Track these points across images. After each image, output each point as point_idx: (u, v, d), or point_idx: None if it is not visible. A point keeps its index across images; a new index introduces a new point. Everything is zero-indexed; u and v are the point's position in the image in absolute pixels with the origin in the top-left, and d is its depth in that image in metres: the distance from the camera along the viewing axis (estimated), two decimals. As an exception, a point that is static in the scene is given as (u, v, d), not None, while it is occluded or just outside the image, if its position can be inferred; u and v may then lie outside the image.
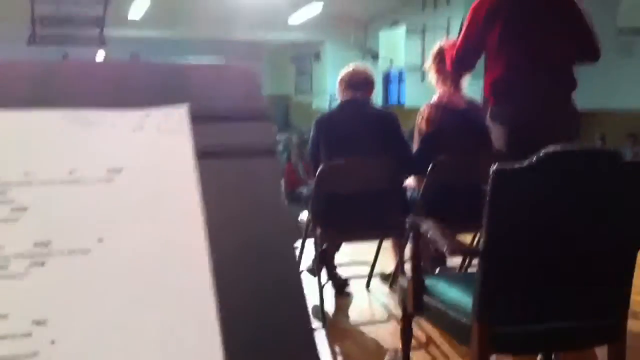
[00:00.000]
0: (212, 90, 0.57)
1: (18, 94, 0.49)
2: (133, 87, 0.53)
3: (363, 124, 3.25)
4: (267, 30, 12.27)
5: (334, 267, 3.41)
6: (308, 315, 0.51)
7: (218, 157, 0.53)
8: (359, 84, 3.36)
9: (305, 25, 13.08)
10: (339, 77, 3.43)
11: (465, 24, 2.90)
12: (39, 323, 0.42)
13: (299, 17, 12.45)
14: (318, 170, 2.99)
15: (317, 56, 15.79)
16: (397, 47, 11.18)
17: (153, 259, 0.47)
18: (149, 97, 0.53)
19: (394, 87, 13.88)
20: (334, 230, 3.00)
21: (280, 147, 10.98)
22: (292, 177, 8.86)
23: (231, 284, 0.48)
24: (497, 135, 2.80)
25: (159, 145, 0.51)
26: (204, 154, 0.52)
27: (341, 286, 3.34)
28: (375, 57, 11.97)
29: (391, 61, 11.37)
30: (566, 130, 2.66)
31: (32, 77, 0.51)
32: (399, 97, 13.40)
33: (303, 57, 16.00)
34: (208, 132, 0.54)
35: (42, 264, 0.44)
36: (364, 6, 12.15)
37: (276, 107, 16.14)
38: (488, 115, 2.90)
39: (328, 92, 13.32)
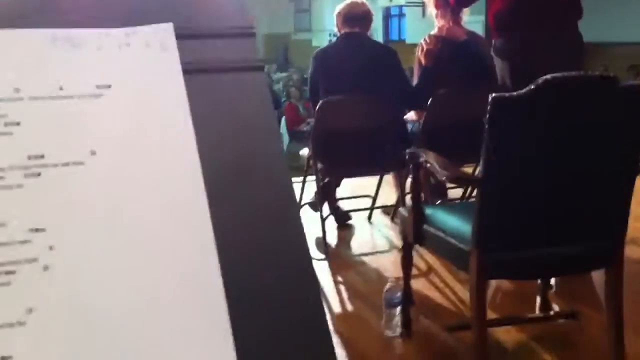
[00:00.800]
0: (197, 7, 0.57)
1: (7, 12, 0.49)
2: (117, 5, 0.54)
3: (362, 58, 3.22)
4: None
5: (336, 201, 3.43)
6: (303, 233, 0.53)
7: (204, 73, 0.54)
8: (356, 18, 3.32)
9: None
10: (336, 11, 3.38)
11: None
12: (37, 230, 0.44)
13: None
14: (317, 106, 2.98)
15: (315, -8, 15.52)
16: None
17: (146, 169, 0.48)
18: (134, 16, 0.54)
19: (394, 23, 13.69)
20: (334, 165, 3.02)
21: (280, 86, 10.90)
22: (293, 115, 8.85)
23: (224, 196, 0.50)
24: (501, 68, 2.77)
25: (146, 61, 0.52)
26: (191, 70, 0.53)
27: (343, 219, 3.37)
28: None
29: (391, -2, 11.19)
30: (572, 59, 2.62)
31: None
32: (399, 32, 13.23)
33: (301, -7, 15.73)
34: (194, 48, 0.54)
35: (38, 174, 0.46)
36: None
37: (275, 46, 15.95)
38: (492, 49, 2.86)
39: (327, 29, 13.15)
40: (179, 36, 0.54)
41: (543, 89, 1.64)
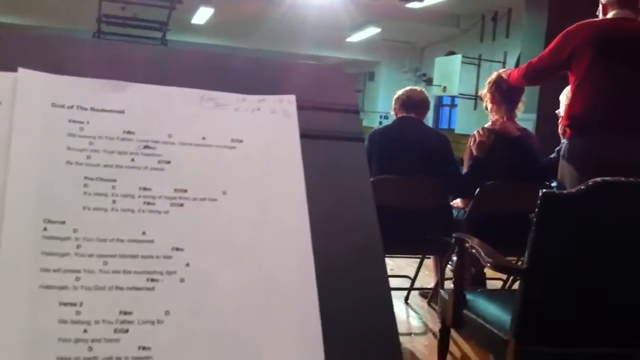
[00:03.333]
0: (315, 85, 0.68)
1: (168, 75, 0.61)
2: (252, 76, 0.66)
3: (415, 142, 3.34)
4: (326, 47, 12.48)
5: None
6: (386, 276, 0.62)
7: (316, 138, 0.64)
8: (414, 104, 3.46)
9: (362, 45, 13.24)
10: (396, 95, 3.53)
11: (555, 42, 2.90)
12: (177, 249, 0.54)
13: (356, 37, 12.62)
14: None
15: (372, 76, 15.95)
16: (452, 75, 11.26)
17: (265, 209, 0.58)
18: (264, 86, 0.65)
19: (445, 112, 13.92)
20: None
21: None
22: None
23: (324, 239, 0.60)
24: (563, 168, 2.79)
25: (272, 124, 0.63)
26: (305, 135, 0.64)
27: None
28: (429, 82, 12.07)
29: (445, 88, 11.45)
30: None
31: (178, 61, 0.64)
32: (449, 122, 13.44)
33: (358, 76, 16.17)
34: (308, 118, 0.65)
35: (181, 205, 0.56)
36: (421, 33, 12.26)
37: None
38: (564, 149, 2.87)
39: (379, 112, 13.44)
40: (299, 106, 0.65)
41: (596, 189, 1.71)
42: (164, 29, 11.34)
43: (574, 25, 2.85)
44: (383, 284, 0.61)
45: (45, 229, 0.51)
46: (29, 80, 0.56)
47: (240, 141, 0.61)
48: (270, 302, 0.55)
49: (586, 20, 2.87)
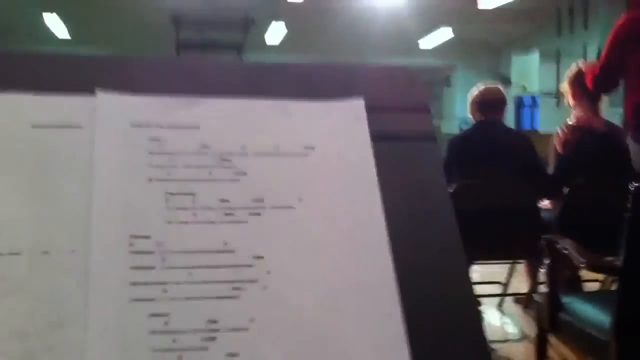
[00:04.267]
0: (383, 86, 0.68)
1: (239, 87, 0.63)
2: (320, 83, 0.66)
3: (497, 146, 3.27)
4: (398, 55, 12.43)
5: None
6: (470, 285, 0.61)
7: (387, 141, 0.64)
8: (490, 104, 3.39)
9: (436, 50, 13.12)
10: (470, 99, 3.47)
11: (607, 44, 2.87)
12: (258, 257, 0.55)
13: (429, 42, 12.52)
14: (452, 190, 3.05)
15: (448, 81, 15.76)
16: (530, 72, 10.98)
17: (340, 214, 0.59)
18: (333, 91, 0.66)
19: (526, 112, 13.57)
20: (466, 250, 3.04)
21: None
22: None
23: (402, 244, 0.59)
24: (636, 154, 2.73)
25: (342, 128, 0.63)
26: (377, 138, 0.64)
27: (472, 304, 3.36)
28: (507, 82, 11.81)
29: (524, 87, 11.17)
30: None
31: (248, 73, 0.65)
32: (531, 121, 13.09)
33: (433, 82, 16.02)
34: (378, 120, 0.65)
35: (259, 214, 0.57)
36: (496, 32, 12.03)
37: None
38: (630, 139, 2.83)
39: (458, 117, 13.25)
40: (368, 109, 0.65)
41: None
42: (240, 51, 11.62)
43: (621, 20, 2.77)
44: (466, 285, 0.60)
45: (131, 244, 0.54)
46: (108, 102, 0.59)
47: (313, 148, 0.62)
48: (353, 305, 0.55)
49: (631, 14, 2.78)
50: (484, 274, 3.61)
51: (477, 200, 3.01)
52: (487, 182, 3.04)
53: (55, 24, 11.28)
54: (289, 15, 10.66)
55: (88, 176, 0.55)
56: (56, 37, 11.99)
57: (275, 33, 11.88)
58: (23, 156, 0.55)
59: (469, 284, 0.60)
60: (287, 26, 11.29)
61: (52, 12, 10.51)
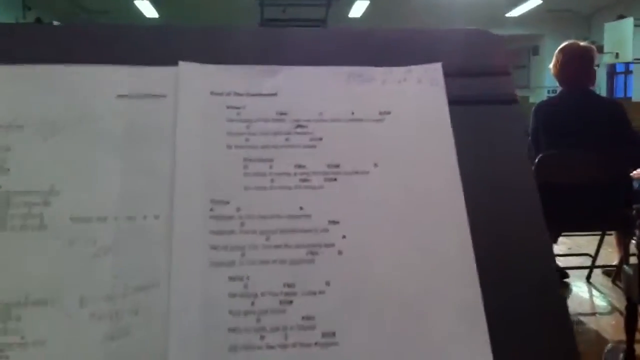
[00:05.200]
0: (460, 49, 0.67)
1: (317, 55, 0.63)
2: (397, 48, 0.66)
3: (585, 114, 3.13)
4: (484, 25, 12.09)
5: (552, 258, 3.34)
6: (552, 255, 0.59)
7: (466, 104, 0.63)
8: (573, 69, 3.20)
9: (523, 19, 12.68)
10: (554, 60, 3.26)
11: None
12: (334, 222, 0.56)
13: (517, 11, 12.10)
14: (536, 160, 2.96)
15: (536, 50, 15.22)
16: (624, 40, 10.44)
17: (416, 179, 0.58)
18: (410, 56, 0.65)
19: (619, 80, 12.96)
20: (551, 221, 2.96)
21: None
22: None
23: (479, 210, 0.58)
24: None
25: (419, 93, 0.63)
26: (455, 102, 0.63)
27: (560, 276, 3.28)
28: (599, 50, 11.28)
29: (617, 55, 10.64)
30: None
31: (326, 41, 0.66)
32: (625, 90, 12.50)
33: (521, 51, 15.51)
34: (457, 84, 0.64)
35: (334, 179, 0.58)
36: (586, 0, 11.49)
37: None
38: None
39: (546, 86, 12.81)
40: (447, 74, 0.64)
41: None
42: (323, 25, 11.62)
43: None
44: (547, 255, 0.59)
45: (211, 209, 0.55)
46: (189, 72, 0.60)
47: (389, 113, 0.61)
48: (429, 270, 0.55)
49: None
50: (572, 246, 3.50)
51: (565, 170, 2.91)
52: (575, 151, 2.93)
53: (145, 7, 11.61)
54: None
55: (171, 144, 0.57)
56: (145, 17, 12.35)
57: (358, 6, 11.79)
58: (108, 125, 0.57)
59: (550, 253, 0.59)
60: (370, 1, 11.18)
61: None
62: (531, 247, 0.58)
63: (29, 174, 0.55)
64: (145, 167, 0.56)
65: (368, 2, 11.43)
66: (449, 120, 0.62)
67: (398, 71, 0.64)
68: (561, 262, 3.31)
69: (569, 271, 3.23)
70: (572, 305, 2.96)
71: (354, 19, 12.65)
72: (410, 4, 11.29)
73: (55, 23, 9.80)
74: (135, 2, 11.20)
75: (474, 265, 0.55)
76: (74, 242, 0.52)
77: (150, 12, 12.08)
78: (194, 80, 0.60)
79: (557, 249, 3.39)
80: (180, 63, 0.61)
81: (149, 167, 0.56)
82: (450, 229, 0.56)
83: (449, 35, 0.69)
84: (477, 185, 0.59)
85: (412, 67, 0.64)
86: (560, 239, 3.36)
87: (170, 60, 0.61)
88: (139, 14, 12.08)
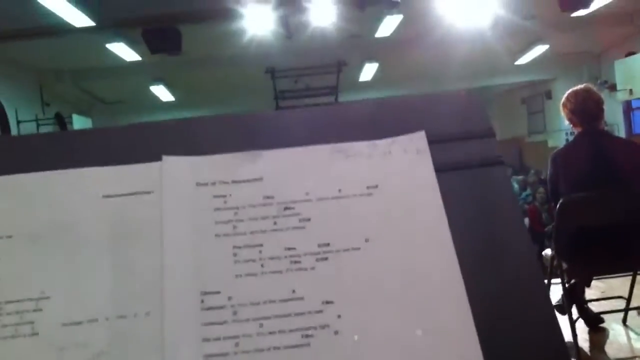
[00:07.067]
0: (444, 117, 0.67)
1: (300, 135, 0.64)
2: (381, 119, 0.66)
3: (603, 156, 3.10)
4: (494, 75, 12.19)
5: (585, 302, 3.25)
6: (552, 311, 0.58)
7: (453, 170, 0.63)
8: (587, 112, 3.20)
9: (533, 65, 12.77)
10: (563, 105, 3.25)
11: None
12: (327, 302, 0.55)
13: (525, 58, 12.21)
14: (558, 205, 2.92)
15: (549, 94, 15.25)
16: (636, 75, 10.44)
17: (409, 252, 0.58)
18: (394, 125, 0.65)
19: (637, 116, 12.89)
20: (581, 265, 2.90)
21: (515, 187, 10.70)
22: (535, 218, 8.59)
23: (476, 275, 0.57)
24: None
25: (405, 163, 0.63)
26: (442, 168, 0.63)
27: (595, 321, 3.18)
28: (611, 88, 11.27)
29: (631, 91, 10.63)
30: None
31: (307, 121, 0.66)
32: (644, 125, 12.41)
33: (534, 97, 15.55)
34: (441, 151, 0.64)
35: (326, 259, 0.57)
36: (594, 39, 11.57)
37: (509, 150, 15.77)
38: None
39: (564, 129, 12.76)
40: (431, 141, 0.64)
41: None
42: (334, 92, 11.78)
43: None
44: (553, 327, 0.57)
45: (202, 300, 0.55)
46: (173, 166, 0.61)
47: (376, 186, 0.61)
48: (428, 346, 0.53)
49: None
50: (605, 289, 3.41)
51: (588, 213, 2.86)
52: (596, 194, 2.88)
53: (160, 91, 11.91)
54: (380, 53, 10.74)
55: (159, 238, 0.57)
56: (161, 101, 12.64)
57: (367, 69, 11.98)
58: (95, 226, 0.58)
59: (556, 324, 0.57)
60: (379, 64, 11.36)
61: (158, 84, 11.14)
62: (534, 314, 0.57)
63: (19, 282, 0.55)
64: (134, 265, 0.56)
65: (377, 65, 11.62)
66: (437, 188, 0.61)
67: (382, 143, 0.64)
68: (595, 306, 3.22)
69: (604, 315, 3.14)
70: (611, 351, 2.86)
71: (365, 83, 12.83)
72: (418, 60, 11.44)
73: (75, 116, 10.06)
74: (151, 88, 11.50)
75: (477, 344, 0.53)
76: (65, 349, 0.52)
77: (165, 96, 12.37)
78: (178, 173, 0.61)
79: (591, 293, 3.30)
80: (164, 157, 0.62)
81: (138, 265, 0.56)
82: (449, 301, 0.55)
83: (431, 101, 0.70)
84: (471, 250, 0.59)
85: (397, 138, 0.65)
86: (594, 282, 3.28)
87: (154, 156, 0.62)
88: (155, 99, 12.37)
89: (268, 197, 0.60)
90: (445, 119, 0.67)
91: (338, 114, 0.68)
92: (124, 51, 8.23)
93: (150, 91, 11.72)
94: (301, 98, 11.69)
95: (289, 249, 0.58)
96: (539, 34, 10.59)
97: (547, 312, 0.57)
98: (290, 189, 0.61)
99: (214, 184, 0.61)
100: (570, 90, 3.17)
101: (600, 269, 3.04)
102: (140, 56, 8.55)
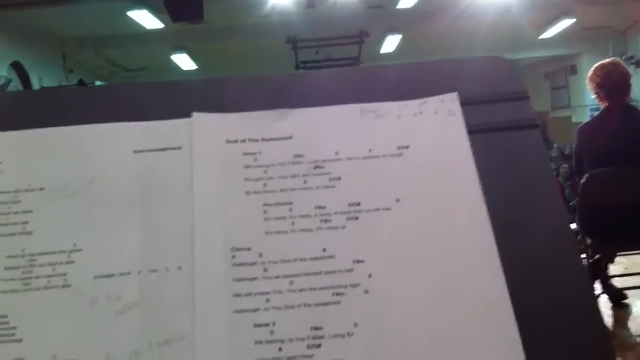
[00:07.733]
0: (475, 77, 0.66)
1: (329, 95, 0.63)
2: (412, 82, 0.65)
3: (629, 131, 3.06)
4: (517, 49, 12.01)
5: (608, 278, 3.24)
6: (586, 276, 0.57)
7: (486, 132, 0.62)
8: (615, 86, 3.15)
9: (558, 39, 12.56)
10: (589, 80, 3.20)
11: None
12: (358, 262, 0.55)
13: (550, 32, 12.00)
14: (582, 181, 2.89)
15: (573, 69, 15.02)
16: (662, 51, 10.24)
17: (440, 213, 0.57)
18: (425, 89, 0.64)
19: (664, 92, 12.67)
20: (605, 241, 2.88)
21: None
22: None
23: (508, 239, 0.57)
24: None
25: (437, 125, 0.62)
26: (474, 130, 0.62)
27: (618, 297, 3.16)
28: (637, 63, 11.07)
29: (656, 68, 10.44)
30: None
31: (337, 81, 0.66)
32: (671, 102, 12.19)
33: (558, 72, 15.33)
34: (475, 113, 0.63)
35: (356, 218, 0.57)
36: (620, 14, 11.33)
37: (532, 125, 15.57)
38: None
39: (588, 104, 12.59)
40: (464, 102, 0.63)
41: None
42: (356, 63, 11.70)
43: None
44: (583, 284, 0.56)
45: (233, 256, 0.55)
46: (203, 123, 0.61)
47: (407, 147, 0.61)
48: (458, 307, 0.53)
49: None
50: (629, 265, 3.39)
51: (613, 189, 2.83)
52: (622, 169, 2.85)
53: (182, 60, 11.90)
54: (402, 24, 10.61)
55: (189, 194, 0.57)
56: (182, 70, 12.65)
57: (389, 41, 11.86)
58: (126, 181, 0.58)
59: (585, 281, 0.56)
60: (402, 35, 11.23)
61: (180, 52, 11.14)
62: (566, 275, 0.56)
63: (51, 235, 0.55)
64: (165, 220, 0.56)
65: (400, 37, 11.50)
66: (469, 150, 0.60)
67: (413, 104, 0.63)
68: (618, 282, 3.20)
69: (627, 291, 3.12)
70: (634, 327, 2.85)
71: (387, 55, 12.71)
72: (441, 33, 11.30)
73: (98, 83, 10.10)
74: (172, 57, 11.49)
75: (507, 299, 0.53)
76: (98, 300, 0.53)
77: (187, 64, 12.37)
78: (208, 129, 0.61)
79: (614, 269, 3.28)
80: (194, 114, 0.61)
81: (168, 220, 0.56)
82: (480, 262, 0.55)
83: (463, 65, 0.68)
84: (504, 214, 0.58)
85: (428, 98, 0.64)
86: (617, 258, 3.26)
87: (184, 113, 0.61)
88: (176, 67, 12.38)
89: (298, 156, 0.60)
90: (478, 82, 0.66)
91: (368, 75, 0.67)
92: (145, 19, 8.22)
93: (171, 60, 11.71)
94: (323, 68, 11.61)
95: (319, 207, 0.58)
96: (566, 7, 10.39)
97: (580, 277, 0.57)
98: (320, 147, 0.61)
99: (243, 141, 0.61)
100: (597, 64, 3.12)
101: (624, 245, 3.02)
102: (162, 24, 8.53)
